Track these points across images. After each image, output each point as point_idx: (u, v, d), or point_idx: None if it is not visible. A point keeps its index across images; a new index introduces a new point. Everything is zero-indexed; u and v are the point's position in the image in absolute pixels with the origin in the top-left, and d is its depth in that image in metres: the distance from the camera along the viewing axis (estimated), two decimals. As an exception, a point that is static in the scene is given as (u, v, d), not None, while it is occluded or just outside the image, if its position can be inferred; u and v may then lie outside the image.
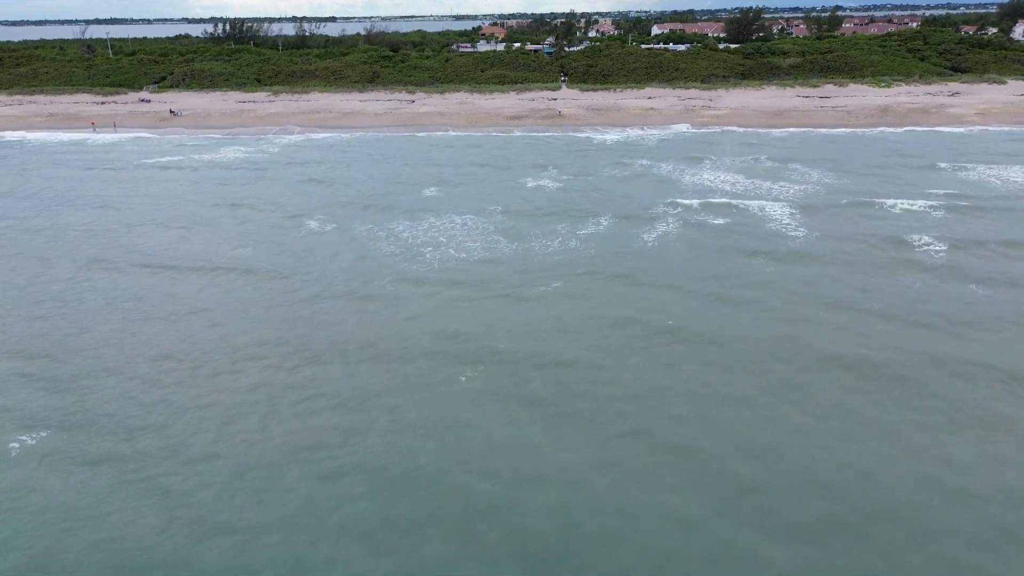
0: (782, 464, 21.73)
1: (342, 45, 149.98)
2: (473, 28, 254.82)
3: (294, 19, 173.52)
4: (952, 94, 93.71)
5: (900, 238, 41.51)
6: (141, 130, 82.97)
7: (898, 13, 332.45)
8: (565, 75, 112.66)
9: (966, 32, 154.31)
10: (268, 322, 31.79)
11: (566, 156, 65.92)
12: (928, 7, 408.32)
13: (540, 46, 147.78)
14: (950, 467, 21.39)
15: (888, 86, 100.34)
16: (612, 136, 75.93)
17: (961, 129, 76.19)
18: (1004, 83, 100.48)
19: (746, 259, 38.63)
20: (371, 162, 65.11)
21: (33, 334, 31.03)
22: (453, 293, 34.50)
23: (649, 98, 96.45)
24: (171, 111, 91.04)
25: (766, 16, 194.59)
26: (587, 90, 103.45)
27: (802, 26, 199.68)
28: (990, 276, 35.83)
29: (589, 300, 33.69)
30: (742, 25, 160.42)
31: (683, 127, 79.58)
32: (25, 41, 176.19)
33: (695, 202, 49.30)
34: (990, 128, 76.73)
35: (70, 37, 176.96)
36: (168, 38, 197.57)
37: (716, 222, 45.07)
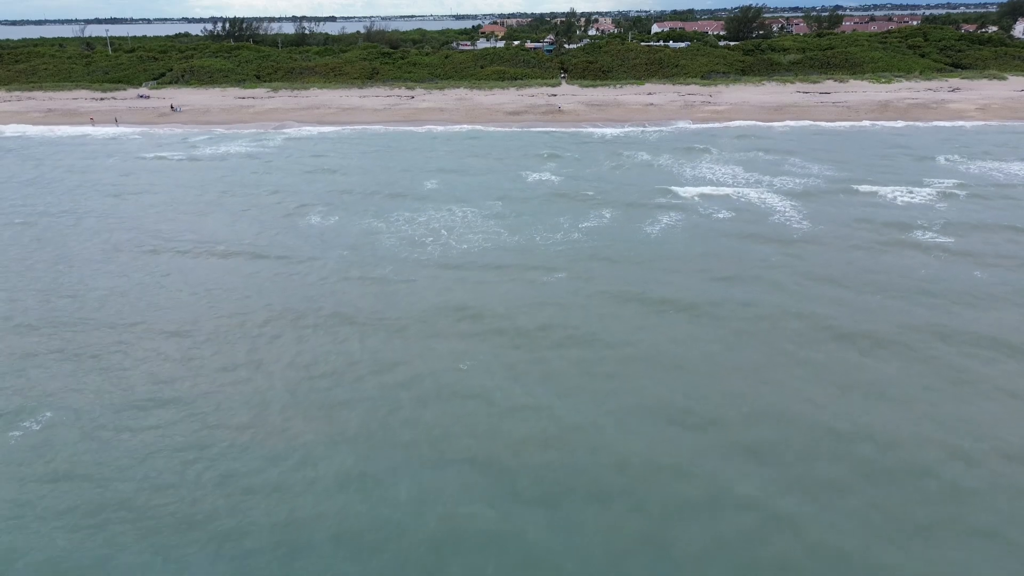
0: (788, 423, 22.65)
1: (341, 43, 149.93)
2: (473, 27, 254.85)
3: (294, 18, 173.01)
4: (952, 90, 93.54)
5: (901, 223, 42.09)
6: (140, 126, 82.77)
7: (898, 12, 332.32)
8: (565, 72, 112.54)
9: (966, 31, 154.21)
10: (285, 293, 32.79)
11: (567, 150, 65.75)
12: (928, 6, 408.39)
13: (540, 44, 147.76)
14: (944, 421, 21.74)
15: (889, 82, 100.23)
16: (612, 131, 75.78)
17: (962, 123, 76.05)
18: (1005, 79, 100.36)
19: (748, 243, 39.01)
20: (371, 155, 65.05)
21: (52, 308, 31.50)
22: (473, 274, 35.29)
23: (649, 94, 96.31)
24: (171, 107, 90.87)
25: (766, 15, 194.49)
26: (587, 86, 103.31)
27: (802, 24, 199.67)
28: (991, 257, 36.36)
29: (594, 279, 34.30)
30: (742, 23, 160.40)
31: (683, 122, 79.41)
32: (25, 39, 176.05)
33: (696, 193, 49.22)
34: (991, 123, 76.52)
35: (70, 36, 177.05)
36: (168, 36, 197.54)
37: (718, 211, 45.01)
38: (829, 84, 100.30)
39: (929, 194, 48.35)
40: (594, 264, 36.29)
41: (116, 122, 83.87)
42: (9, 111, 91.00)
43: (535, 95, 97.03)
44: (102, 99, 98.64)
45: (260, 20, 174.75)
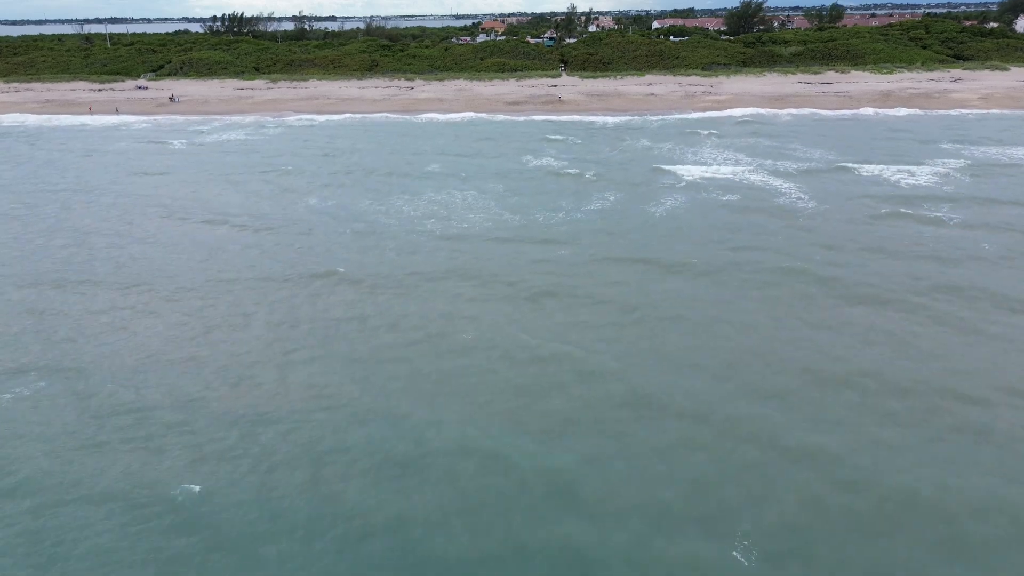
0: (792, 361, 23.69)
1: (341, 38, 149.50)
2: (473, 23, 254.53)
3: (294, 18, 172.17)
4: (955, 80, 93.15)
5: (906, 197, 42.56)
6: (139, 115, 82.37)
7: (899, 11, 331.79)
8: (565, 64, 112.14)
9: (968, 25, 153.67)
10: (297, 258, 33.37)
11: (568, 136, 65.36)
12: (929, 5, 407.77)
13: (540, 39, 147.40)
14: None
15: (891, 73, 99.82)
16: (613, 119, 75.36)
17: (965, 112, 75.65)
18: (1007, 70, 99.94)
19: (750, 217, 39.23)
20: (372, 141, 64.76)
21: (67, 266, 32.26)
22: (478, 244, 35.46)
23: (649, 84, 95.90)
24: (170, 97, 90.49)
25: (766, 13, 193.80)
26: (587, 77, 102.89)
27: (803, 19, 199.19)
28: (998, 227, 36.79)
29: (598, 248, 34.58)
30: (742, 18, 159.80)
31: (684, 112, 78.98)
32: (24, 36, 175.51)
33: (700, 175, 48.91)
34: (992, 112, 76.11)
35: (70, 32, 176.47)
36: (167, 33, 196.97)
37: (720, 192, 44.67)
38: (831, 75, 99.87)
39: (933, 173, 48.27)
40: (599, 237, 36.30)
41: (117, 112, 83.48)
42: (7, 101, 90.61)
43: (535, 86, 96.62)
44: (100, 90, 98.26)
45: (260, 19, 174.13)
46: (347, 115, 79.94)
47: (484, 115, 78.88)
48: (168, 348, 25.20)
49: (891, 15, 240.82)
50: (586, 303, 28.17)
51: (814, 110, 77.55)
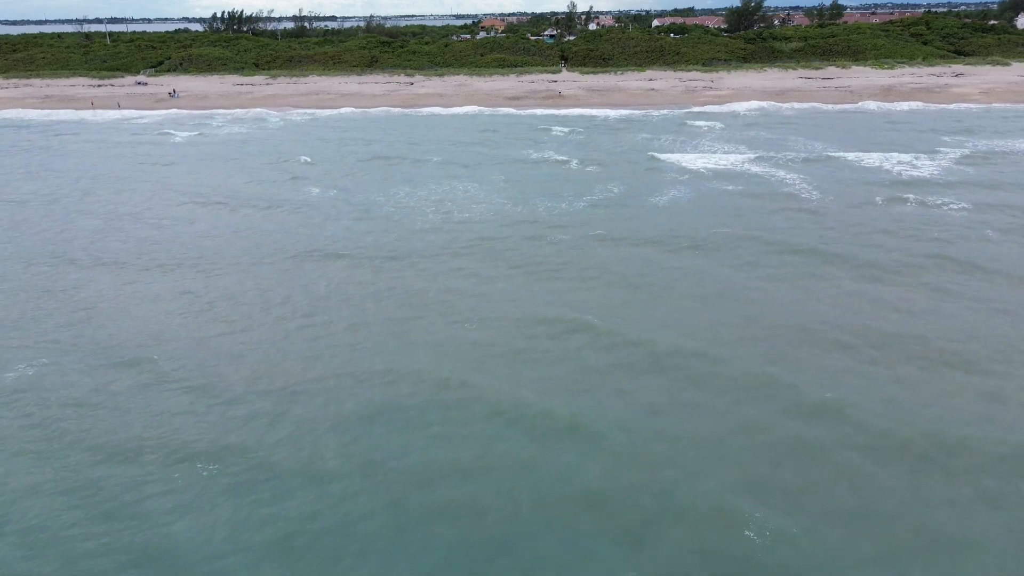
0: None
1: (340, 35, 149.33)
2: (473, 22, 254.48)
3: (294, 17, 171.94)
4: (956, 75, 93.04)
5: (908, 182, 43.09)
6: (140, 110, 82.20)
7: (899, 10, 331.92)
8: (565, 60, 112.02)
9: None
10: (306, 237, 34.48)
11: (569, 131, 65.24)
12: (929, 5, 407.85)
13: (541, 36, 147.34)
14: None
15: (892, 67, 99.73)
16: (614, 113, 75.26)
17: (966, 106, 75.55)
18: (1008, 65, 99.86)
19: (754, 202, 39.49)
20: (371, 134, 64.65)
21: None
22: (483, 227, 35.28)
23: (650, 80, 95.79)
24: (169, 93, 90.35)
25: (766, 12, 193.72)
26: (587, 73, 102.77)
27: (803, 17, 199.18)
28: (1000, 208, 37.26)
29: (602, 231, 35.01)
30: (742, 16, 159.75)
31: (685, 106, 78.85)
32: (24, 34, 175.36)
33: (702, 167, 48.81)
34: (994, 106, 76.03)
35: (70, 31, 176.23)
36: (167, 32, 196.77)
37: (722, 181, 44.64)
38: (832, 70, 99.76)
39: (935, 162, 48.40)
40: (603, 222, 36.41)
41: (119, 106, 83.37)
42: (7, 97, 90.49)
43: (535, 81, 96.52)
44: (99, 86, 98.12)
45: (260, 18, 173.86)
46: (348, 109, 79.87)
47: (486, 109, 78.82)
48: (200, 325, 25.91)
49: (892, 13, 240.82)
50: (598, 278, 29.14)
51: (815, 104, 77.45)
